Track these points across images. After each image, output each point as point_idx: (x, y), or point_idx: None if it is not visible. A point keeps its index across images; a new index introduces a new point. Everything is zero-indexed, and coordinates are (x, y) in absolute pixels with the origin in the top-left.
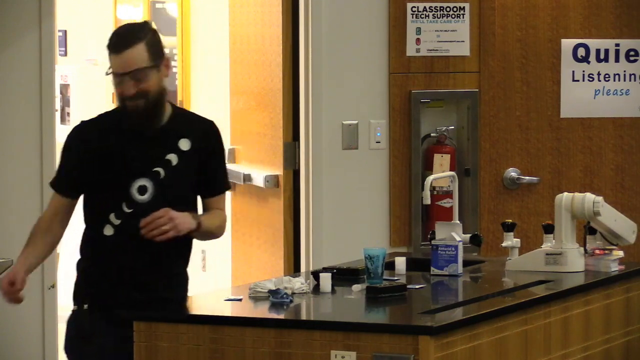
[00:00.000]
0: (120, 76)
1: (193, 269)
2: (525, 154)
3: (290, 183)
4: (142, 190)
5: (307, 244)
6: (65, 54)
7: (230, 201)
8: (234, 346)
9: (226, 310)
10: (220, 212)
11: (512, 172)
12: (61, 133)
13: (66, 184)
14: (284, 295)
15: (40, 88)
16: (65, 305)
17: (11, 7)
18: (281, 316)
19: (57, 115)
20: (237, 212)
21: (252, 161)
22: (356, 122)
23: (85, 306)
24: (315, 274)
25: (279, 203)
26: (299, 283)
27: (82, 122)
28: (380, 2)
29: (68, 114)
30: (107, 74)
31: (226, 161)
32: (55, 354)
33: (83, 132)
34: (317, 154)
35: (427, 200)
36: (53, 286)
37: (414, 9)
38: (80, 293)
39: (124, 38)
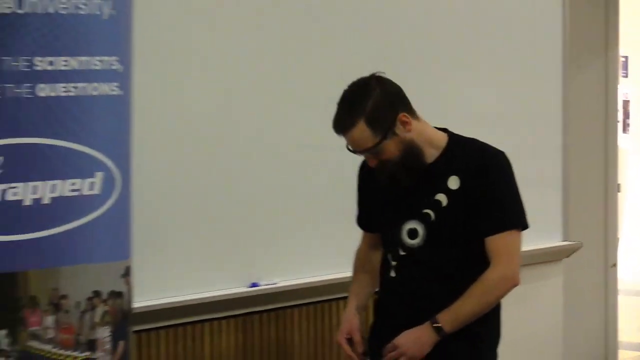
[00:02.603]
0: (353, 152)
1: None
2: None
3: None
4: (413, 233)
5: None
6: (627, 76)
7: None
8: None
9: None
10: (486, 277)
11: None
12: (622, 141)
13: (362, 219)
14: None
15: (605, 103)
16: (627, 280)
17: (581, 37)
18: None
19: (619, 125)
20: None
21: None
22: None
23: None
24: None
25: None
26: None
27: None
28: None
29: (628, 124)
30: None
31: (514, 194)
32: (616, 326)
33: (363, 168)
34: None
35: None
36: (614, 265)
37: None
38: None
39: (340, 119)
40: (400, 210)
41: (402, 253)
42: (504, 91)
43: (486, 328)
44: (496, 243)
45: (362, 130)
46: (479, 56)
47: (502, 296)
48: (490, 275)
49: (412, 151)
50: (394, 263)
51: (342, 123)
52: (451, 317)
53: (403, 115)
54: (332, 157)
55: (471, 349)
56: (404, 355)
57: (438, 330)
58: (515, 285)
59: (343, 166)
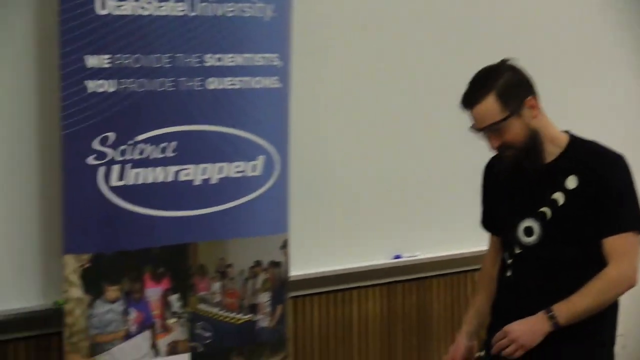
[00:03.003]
0: (477, 131)
1: None
2: None
3: None
4: (529, 231)
5: None
6: None
7: None
8: None
9: None
10: (605, 274)
11: None
12: None
13: (486, 220)
14: None
15: None
16: None
17: None
18: None
19: None
20: None
21: None
22: None
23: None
24: None
25: None
26: None
27: (491, 158)
28: None
29: None
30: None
31: (632, 198)
32: None
33: (486, 170)
34: None
35: None
36: None
37: None
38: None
39: (470, 93)
40: (518, 208)
41: (517, 251)
42: (617, 89)
43: (602, 327)
44: (613, 244)
45: (491, 102)
46: (592, 60)
47: (619, 295)
48: (610, 273)
49: (535, 140)
50: (509, 261)
51: (473, 96)
52: (567, 309)
53: (532, 98)
54: (472, 142)
55: (585, 350)
56: (515, 342)
57: (552, 320)
58: (632, 286)
59: (481, 151)
